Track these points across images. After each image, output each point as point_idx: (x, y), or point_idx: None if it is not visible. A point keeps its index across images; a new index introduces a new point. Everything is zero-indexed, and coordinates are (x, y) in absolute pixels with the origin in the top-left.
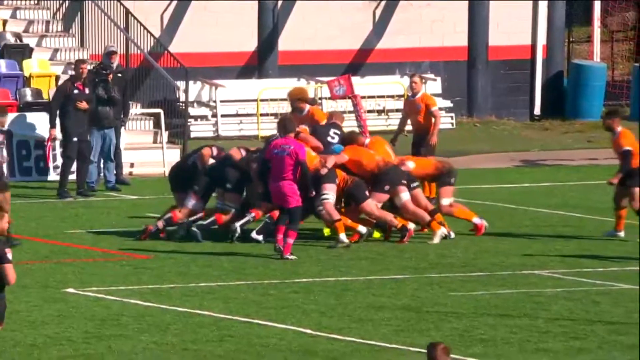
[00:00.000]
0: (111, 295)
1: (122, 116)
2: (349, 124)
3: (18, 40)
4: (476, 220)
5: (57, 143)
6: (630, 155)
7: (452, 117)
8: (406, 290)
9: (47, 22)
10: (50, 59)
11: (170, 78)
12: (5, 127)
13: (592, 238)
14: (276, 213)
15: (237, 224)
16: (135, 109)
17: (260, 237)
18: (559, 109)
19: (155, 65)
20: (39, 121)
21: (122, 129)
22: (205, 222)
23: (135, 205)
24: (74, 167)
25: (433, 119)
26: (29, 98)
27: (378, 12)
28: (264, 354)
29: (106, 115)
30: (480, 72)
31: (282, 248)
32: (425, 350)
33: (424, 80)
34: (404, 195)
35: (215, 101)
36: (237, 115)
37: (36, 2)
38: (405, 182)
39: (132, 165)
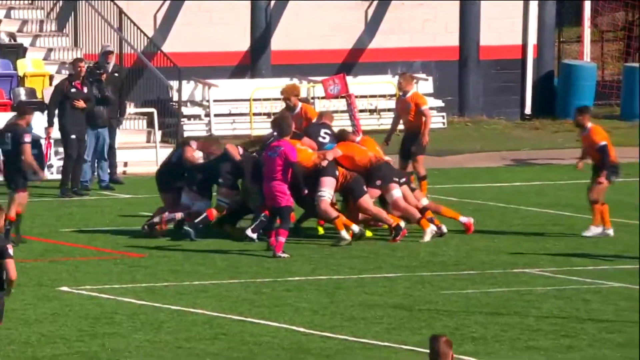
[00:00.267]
0: (105, 293)
1: (118, 115)
2: (343, 123)
3: (12, 40)
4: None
5: (52, 142)
6: (607, 149)
7: (443, 117)
8: (398, 288)
9: (41, 22)
10: (44, 59)
11: (163, 77)
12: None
13: (583, 237)
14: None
15: (250, 232)
16: (128, 109)
17: (254, 235)
18: (550, 108)
19: (149, 64)
20: (34, 121)
21: (117, 128)
22: (197, 220)
23: (129, 204)
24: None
25: (423, 118)
26: (23, 97)
27: (370, 12)
28: (257, 352)
29: (100, 114)
30: (471, 72)
31: (275, 246)
32: (416, 348)
33: (416, 80)
34: (396, 192)
35: (208, 100)
36: (230, 114)
37: (30, 2)
38: (396, 179)
39: (125, 164)
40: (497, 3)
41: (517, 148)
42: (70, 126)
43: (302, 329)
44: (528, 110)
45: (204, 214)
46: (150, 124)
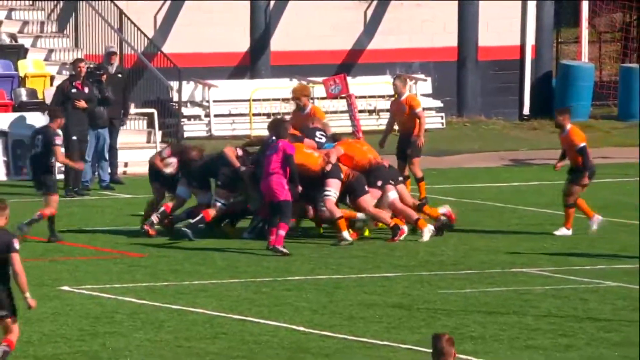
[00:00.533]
0: (105, 293)
1: (121, 116)
2: (343, 124)
3: (13, 41)
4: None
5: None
6: (586, 150)
7: (442, 117)
8: (397, 288)
9: (42, 23)
10: (45, 59)
11: (163, 78)
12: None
13: (581, 236)
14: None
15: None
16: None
17: (250, 235)
18: (548, 108)
19: (149, 65)
20: (34, 121)
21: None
22: (193, 221)
23: (129, 204)
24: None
25: (418, 120)
26: (24, 98)
27: (369, 13)
28: (257, 351)
29: (100, 115)
30: (470, 72)
31: (274, 241)
32: (415, 347)
33: (414, 81)
34: (392, 194)
35: (208, 101)
36: (230, 115)
37: (31, 3)
38: (392, 181)
39: (126, 164)
40: (495, 4)
41: (516, 148)
42: (71, 127)
43: (301, 328)
44: (526, 110)
45: (200, 215)
46: (150, 125)
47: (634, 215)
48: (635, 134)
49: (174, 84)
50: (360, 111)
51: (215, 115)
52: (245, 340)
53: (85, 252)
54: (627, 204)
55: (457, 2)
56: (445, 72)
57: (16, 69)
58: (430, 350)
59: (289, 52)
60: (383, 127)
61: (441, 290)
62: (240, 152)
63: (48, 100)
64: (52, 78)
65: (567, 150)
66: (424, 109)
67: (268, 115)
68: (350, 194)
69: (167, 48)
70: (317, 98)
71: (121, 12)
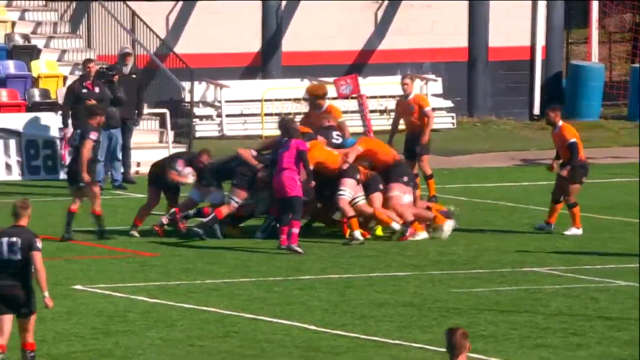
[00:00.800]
0: (118, 292)
1: (135, 116)
2: (354, 124)
3: (26, 42)
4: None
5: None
6: (577, 147)
7: (452, 117)
8: (408, 287)
9: (55, 24)
10: (58, 60)
11: (175, 79)
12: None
13: (590, 236)
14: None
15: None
16: None
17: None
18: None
19: (161, 66)
20: (47, 121)
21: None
22: (206, 220)
23: (142, 203)
24: None
25: (426, 120)
26: (37, 98)
27: (380, 13)
28: (269, 350)
29: (112, 115)
30: (480, 73)
31: (288, 241)
32: (426, 346)
33: (425, 81)
34: (395, 192)
35: (220, 101)
36: (242, 115)
37: (44, 4)
38: (406, 179)
39: (138, 164)
40: (505, 5)
41: (526, 148)
42: (82, 127)
43: (313, 327)
44: (536, 110)
45: (213, 214)
46: (162, 125)
47: None
48: None
49: (186, 85)
50: (371, 111)
51: (227, 116)
52: (257, 339)
53: (98, 252)
54: (636, 203)
55: (467, 3)
56: (455, 72)
57: (29, 70)
58: (441, 349)
59: (300, 53)
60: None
61: (452, 290)
62: (254, 153)
63: (61, 101)
64: (64, 78)
65: (559, 147)
66: (433, 109)
67: (279, 115)
68: (365, 191)
69: (179, 49)
70: (328, 98)
71: (133, 13)
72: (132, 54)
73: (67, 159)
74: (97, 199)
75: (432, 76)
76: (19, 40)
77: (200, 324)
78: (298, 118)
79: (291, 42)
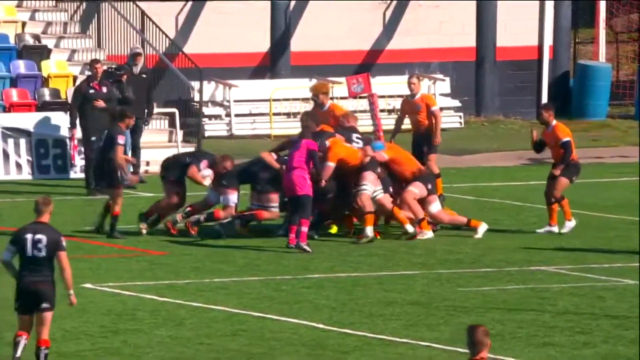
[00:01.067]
0: (127, 290)
1: (145, 116)
2: (364, 123)
3: (37, 42)
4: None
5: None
6: (571, 146)
7: (460, 117)
8: (416, 285)
9: (65, 24)
10: (68, 60)
11: (185, 78)
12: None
13: (597, 234)
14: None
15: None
16: None
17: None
18: (565, 108)
19: (171, 65)
20: (57, 121)
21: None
22: (225, 221)
23: (151, 202)
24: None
25: (434, 119)
26: (47, 98)
27: (388, 14)
28: (277, 348)
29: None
30: (488, 72)
31: (296, 239)
32: (434, 345)
33: (433, 81)
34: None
35: (229, 101)
36: (251, 114)
37: (54, 4)
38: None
39: (147, 163)
40: (513, 5)
41: None
42: (91, 128)
43: (321, 326)
44: None
45: (230, 217)
46: (171, 124)
47: None
48: None
49: (195, 84)
50: (380, 110)
51: (236, 115)
52: (265, 337)
53: (107, 250)
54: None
55: (475, 3)
56: (463, 72)
57: (39, 70)
58: (448, 347)
59: (309, 53)
60: (404, 127)
61: (459, 288)
62: (275, 156)
63: (70, 101)
64: (74, 78)
65: (552, 147)
66: (441, 109)
67: (288, 115)
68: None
69: (188, 48)
70: (337, 98)
71: (143, 13)
72: (143, 54)
73: (77, 159)
74: (119, 200)
75: (440, 76)
76: (30, 40)
77: (208, 322)
78: None
79: (300, 42)
